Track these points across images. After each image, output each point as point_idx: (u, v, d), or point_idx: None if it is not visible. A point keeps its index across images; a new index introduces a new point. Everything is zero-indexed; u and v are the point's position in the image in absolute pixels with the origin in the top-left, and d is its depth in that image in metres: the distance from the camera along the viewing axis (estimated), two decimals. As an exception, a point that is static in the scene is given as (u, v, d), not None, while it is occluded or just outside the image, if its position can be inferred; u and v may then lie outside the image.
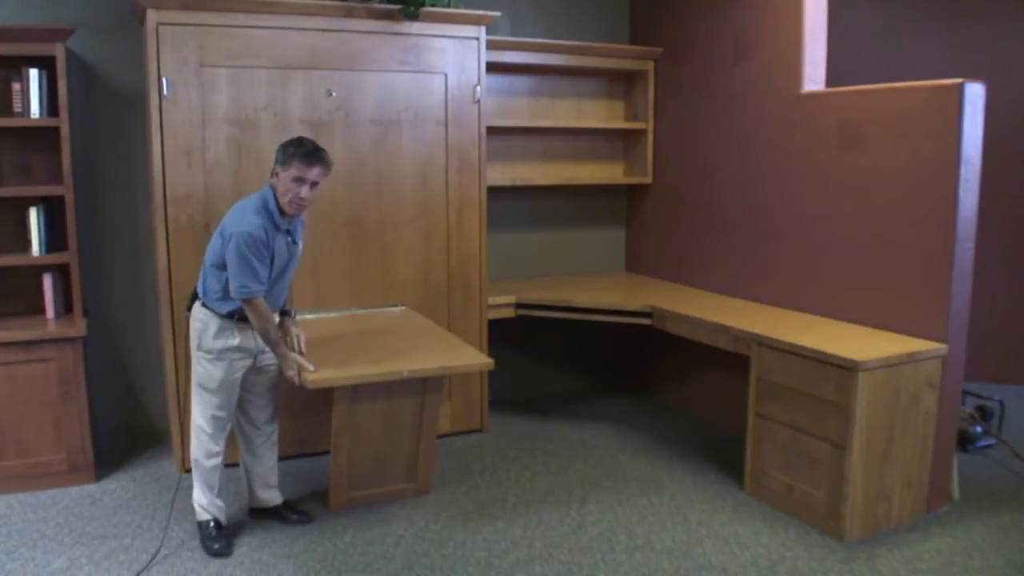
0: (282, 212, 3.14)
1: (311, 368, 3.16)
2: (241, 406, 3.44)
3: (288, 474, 4.06)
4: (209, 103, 3.87)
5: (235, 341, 3.23)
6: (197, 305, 3.26)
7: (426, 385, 3.56)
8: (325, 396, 3.54)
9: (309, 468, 4.15)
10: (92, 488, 3.90)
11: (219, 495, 3.39)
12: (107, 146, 4.32)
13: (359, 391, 3.41)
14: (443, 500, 3.80)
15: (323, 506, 3.71)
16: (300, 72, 4.04)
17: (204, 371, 3.26)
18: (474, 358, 3.51)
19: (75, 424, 3.85)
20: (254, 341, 3.27)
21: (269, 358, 3.37)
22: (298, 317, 4.09)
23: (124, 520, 3.58)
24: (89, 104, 4.26)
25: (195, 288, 3.30)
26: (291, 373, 3.17)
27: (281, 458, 4.19)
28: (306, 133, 4.08)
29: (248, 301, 3.09)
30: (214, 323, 3.21)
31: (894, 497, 3.50)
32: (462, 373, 4.28)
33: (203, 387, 3.28)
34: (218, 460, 3.35)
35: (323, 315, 4.18)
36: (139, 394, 4.53)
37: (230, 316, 3.21)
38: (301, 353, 3.36)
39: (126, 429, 4.51)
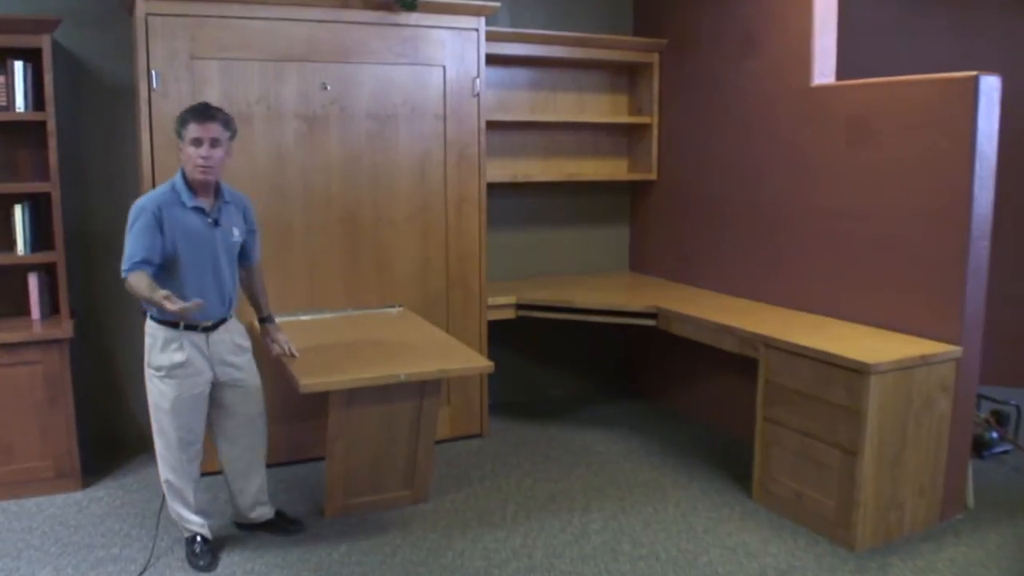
0: (193, 190, 3.05)
1: (181, 305, 2.88)
2: (219, 424, 3.31)
3: (281, 481, 4.07)
4: (200, 97, 3.86)
5: (180, 356, 3.07)
6: (147, 319, 3.13)
7: (424, 389, 3.56)
8: (319, 401, 3.55)
9: (303, 475, 4.16)
10: (79, 495, 3.90)
11: (199, 511, 3.30)
12: (95, 141, 4.33)
13: (355, 395, 3.41)
14: (441, 508, 3.80)
15: (318, 514, 3.72)
16: (294, 65, 4.04)
17: (156, 390, 3.12)
18: (473, 361, 3.52)
19: (61, 429, 3.85)
20: (206, 352, 3.13)
21: (239, 373, 3.24)
22: (292, 319, 4.11)
23: (112, 529, 3.58)
24: (76, 98, 4.26)
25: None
26: (158, 298, 2.82)
27: (273, 465, 4.20)
28: (300, 127, 4.09)
29: (125, 281, 2.93)
30: (160, 335, 3.08)
31: (907, 505, 3.50)
32: (461, 376, 4.28)
33: (157, 407, 3.14)
34: (189, 478, 3.23)
35: (317, 316, 4.19)
36: (127, 398, 4.54)
37: (174, 325, 3.06)
38: (293, 356, 3.38)
39: (114, 434, 4.52)
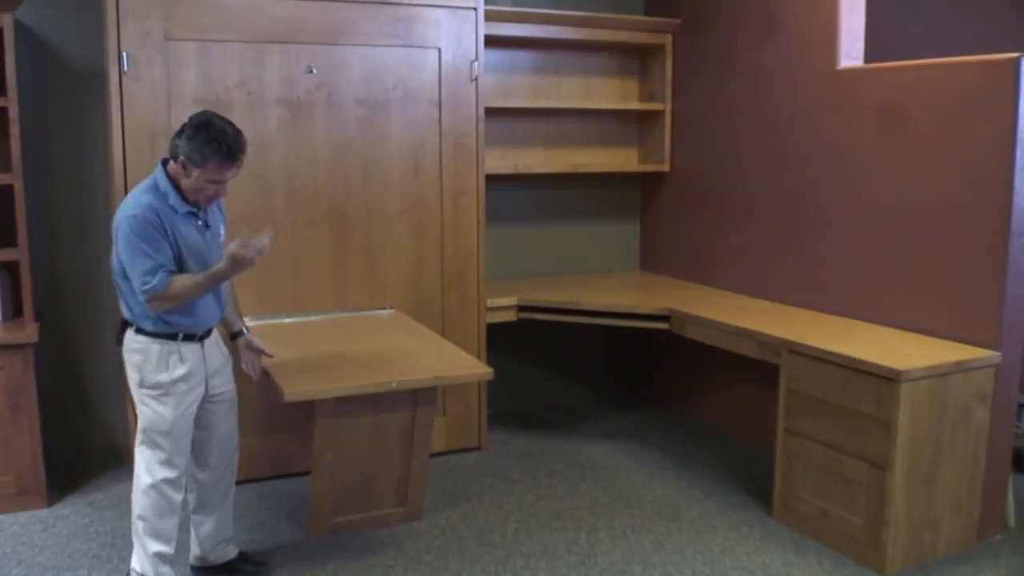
0: (182, 195, 2.96)
1: (263, 242, 2.93)
2: (194, 449, 3.19)
3: (262, 498, 4.05)
4: (175, 81, 3.87)
5: (182, 369, 3.01)
6: (130, 333, 3.01)
7: (418, 398, 3.55)
8: (304, 410, 3.54)
9: (286, 491, 4.14)
10: (44, 513, 3.89)
11: (177, 560, 3.18)
12: (62, 129, 4.32)
13: (343, 404, 3.40)
14: (436, 526, 3.79)
15: (302, 533, 3.70)
16: (277, 47, 4.03)
17: (152, 413, 3.00)
18: (471, 367, 3.51)
19: (25, 441, 3.84)
20: (203, 363, 3.08)
21: (225, 384, 3.20)
22: (274, 321, 4.10)
23: (80, 549, 3.57)
24: (41, 82, 4.25)
25: (121, 315, 3.05)
26: (250, 252, 2.88)
27: (253, 480, 4.20)
28: (284, 114, 4.08)
29: (159, 296, 2.86)
30: (154, 350, 2.98)
31: (941, 524, 3.49)
32: (457, 384, 4.27)
33: (155, 432, 3.01)
34: (176, 514, 3.10)
35: (302, 319, 4.18)
36: (96, 408, 4.53)
37: (172, 337, 2.99)
38: (269, 356, 3.32)
39: (82, 447, 4.50)
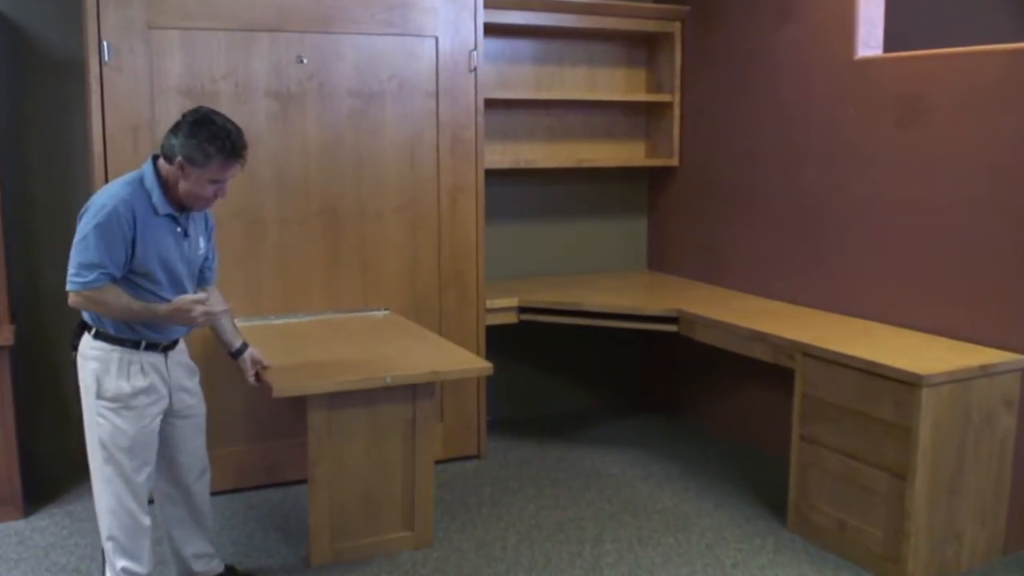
0: (168, 198, 2.89)
1: (218, 309, 2.94)
2: (163, 466, 3.11)
3: (251, 507, 4.04)
4: (159, 71, 3.86)
5: (144, 381, 2.92)
6: (87, 338, 2.92)
7: (415, 396, 3.54)
8: (294, 415, 3.53)
9: (277, 501, 4.13)
10: (20, 524, 3.89)
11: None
12: (39, 122, 4.31)
13: (337, 404, 3.39)
14: (433, 538, 3.77)
15: (292, 550, 3.69)
16: (266, 35, 4.02)
17: (110, 426, 2.90)
18: (470, 362, 3.54)
19: (0, 449, 3.82)
20: (167, 376, 3.00)
21: (191, 399, 3.13)
22: (262, 323, 4.09)
23: (58, 563, 3.56)
24: (17, 73, 4.24)
25: (80, 318, 2.97)
26: (198, 310, 2.84)
27: (242, 489, 4.19)
28: (273, 106, 4.07)
29: (84, 296, 2.77)
30: (115, 358, 2.89)
31: (965, 536, 3.48)
32: (455, 380, 4.25)
33: (113, 447, 2.91)
34: (145, 533, 3.01)
35: (292, 320, 4.17)
36: (76, 414, 4.49)
37: (134, 345, 2.91)
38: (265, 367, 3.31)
39: (60, 455, 4.49)
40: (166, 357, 3.02)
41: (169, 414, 3.05)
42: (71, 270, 2.80)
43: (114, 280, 2.81)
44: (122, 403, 2.91)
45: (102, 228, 2.77)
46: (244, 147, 2.90)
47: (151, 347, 2.96)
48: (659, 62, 5.29)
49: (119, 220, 2.78)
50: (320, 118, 4.17)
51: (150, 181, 2.88)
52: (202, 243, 3.08)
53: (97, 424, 2.93)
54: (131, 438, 2.93)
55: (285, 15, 4.03)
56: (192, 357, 3.22)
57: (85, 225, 2.80)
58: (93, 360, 2.91)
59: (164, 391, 3.01)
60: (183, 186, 2.87)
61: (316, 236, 4.23)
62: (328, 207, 4.23)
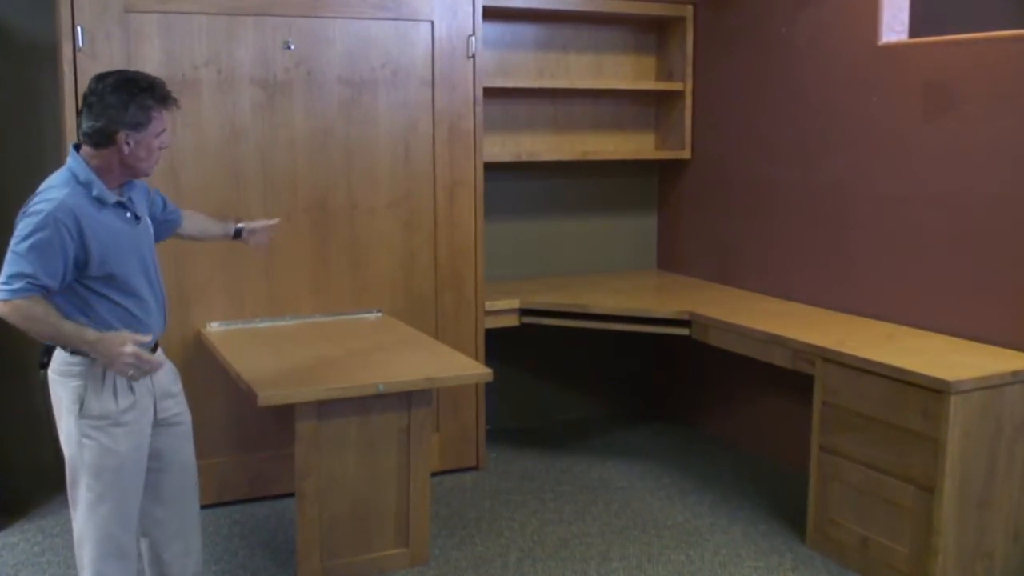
0: (107, 181, 2.77)
1: (157, 362, 2.82)
2: (148, 479, 2.98)
3: (236, 523, 4.05)
4: (136, 58, 3.86)
5: (130, 398, 2.82)
6: (61, 354, 2.79)
7: (410, 404, 3.54)
8: (281, 424, 3.53)
9: (263, 516, 4.14)
10: (-11, 540, 3.89)
11: None
12: (8, 113, 4.32)
13: (326, 413, 3.40)
14: (430, 555, 3.78)
15: (280, 569, 3.69)
16: (250, 19, 4.03)
17: (97, 446, 2.78)
18: (468, 368, 3.54)
19: (-32, 460, 3.84)
20: (151, 389, 2.90)
21: (177, 407, 3.03)
22: (246, 326, 4.09)
23: (29, 581, 3.57)
24: (-14, 59, 4.25)
25: None
26: (128, 349, 2.67)
27: (225, 503, 4.19)
28: (258, 95, 4.08)
29: (14, 305, 2.62)
30: (97, 373, 2.77)
31: (996, 553, 3.48)
32: (452, 386, 4.25)
33: (101, 470, 2.80)
34: (132, 570, 2.93)
35: (279, 323, 4.18)
36: (47, 425, 4.50)
37: None
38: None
39: (32, 467, 4.50)
40: None
41: (155, 424, 2.95)
42: (0, 278, 2.67)
43: (46, 293, 2.68)
44: (111, 420, 2.79)
45: (39, 240, 2.64)
46: (166, 87, 2.81)
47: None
48: (670, 48, 5.30)
49: (60, 231, 2.64)
50: (308, 108, 4.17)
51: (84, 174, 2.73)
52: (148, 220, 2.98)
53: (81, 446, 2.80)
54: (122, 457, 2.82)
55: (271, -2, 4.05)
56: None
57: (22, 232, 2.66)
58: (74, 377, 2.79)
59: (149, 403, 2.91)
60: (130, 157, 2.75)
61: (304, 234, 4.23)
62: (317, 203, 4.24)
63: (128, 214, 2.84)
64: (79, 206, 2.68)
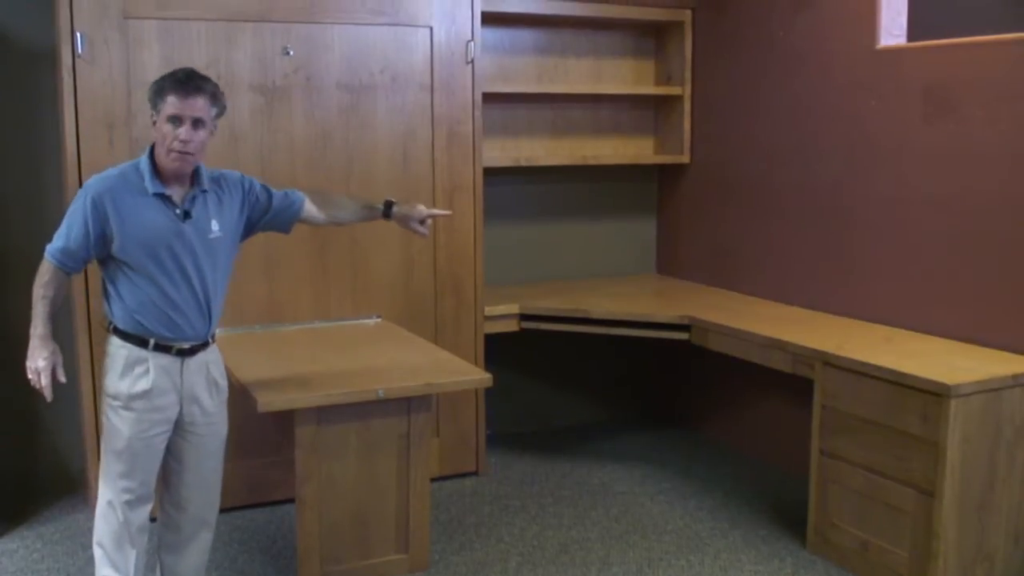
0: (160, 174, 2.89)
1: (56, 383, 2.92)
2: (166, 480, 3.10)
3: (235, 529, 4.04)
4: (135, 64, 3.87)
5: (144, 384, 2.90)
6: (111, 331, 2.98)
7: (410, 410, 3.54)
8: (280, 430, 3.53)
9: (262, 522, 4.14)
10: (-11, 547, 3.89)
11: None
12: (8, 118, 4.32)
13: (325, 419, 3.40)
14: (429, 561, 3.78)
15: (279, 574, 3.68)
16: (249, 25, 4.04)
17: (110, 425, 2.95)
18: (467, 373, 3.55)
19: (-33, 467, 3.84)
20: (179, 383, 2.96)
21: (207, 418, 3.06)
22: (245, 332, 4.09)
23: (28, 587, 3.57)
24: (-15, 66, 4.26)
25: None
26: (37, 365, 2.87)
27: (225, 509, 4.17)
28: (257, 101, 4.08)
29: (44, 263, 2.91)
30: (121, 355, 2.92)
31: (997, 557, 3.48)
32: (452, 393, 4.25)
33: (108, 446, 2.97)
34: (132, 550, 3.01)
35: (278, 329, 4.18)
36: (47, 429, 4.52)
37: (142, 343, 2.90)
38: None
39: (30, 473, 4.49)
40: (182, 362, 2.97)
41: (180, 427, 3.01)
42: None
43: (62, 265, 2.90)
44: (121, 403, 2.93)
45: (73, 208, 2.90)
46: (200, 78, 2.89)
47: (161, 348, 2.92)
48: (669, 52, 5.30)
49: (90, 204, 2.85)
50: (307, 113, 4.18)
51: (144, 164, 2.91)
52: (214, 225, 2.99)
53: (104, 414, 3.01)
54: (126, 440, 2.93)
55: (269, 4, 4.04)
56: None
57: (73, 201, 2.93)
58: (106, 354, 2.99)
59: (172, 399, 2.96)
60: (159, 142, 2.88)
61: (303, 239, 4.21)
62: (316, 208, 4.24)
63: (177, 210, 2.93)
64: (117, 188, 2.88)
